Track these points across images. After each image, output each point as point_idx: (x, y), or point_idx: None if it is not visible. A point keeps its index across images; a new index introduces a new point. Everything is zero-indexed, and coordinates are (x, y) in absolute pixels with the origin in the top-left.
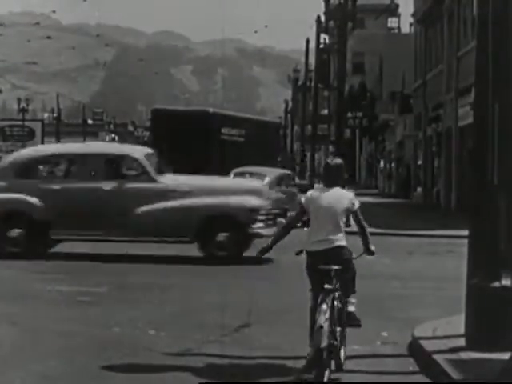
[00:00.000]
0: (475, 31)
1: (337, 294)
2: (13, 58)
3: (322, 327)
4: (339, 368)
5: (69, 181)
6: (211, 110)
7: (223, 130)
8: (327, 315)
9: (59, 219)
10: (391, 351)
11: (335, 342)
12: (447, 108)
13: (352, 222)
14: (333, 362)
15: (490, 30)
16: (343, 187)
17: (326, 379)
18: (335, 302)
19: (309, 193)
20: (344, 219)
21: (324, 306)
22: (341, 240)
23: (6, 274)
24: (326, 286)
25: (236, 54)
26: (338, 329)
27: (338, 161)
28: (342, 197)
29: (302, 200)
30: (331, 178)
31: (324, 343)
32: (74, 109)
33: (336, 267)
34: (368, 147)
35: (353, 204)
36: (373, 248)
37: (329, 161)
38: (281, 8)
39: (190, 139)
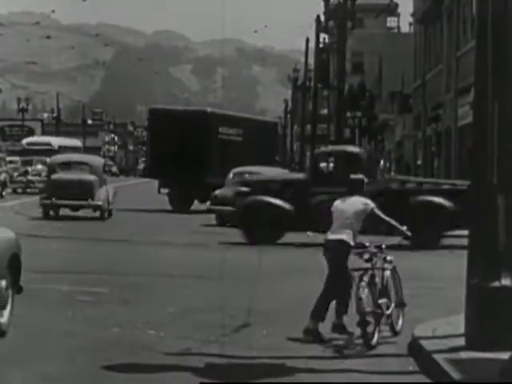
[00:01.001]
0: (475, 31)
1: (376, 271)
2: (12, 58)
3: (360, 299)
4: (394, 333)
5: None
6: (209, 109)
7: (221, 130)
8: (366, 289)
9: None
10: (391, 351)
11: (379, 311)
12: (447, 108)
13: None
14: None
15: (489, 30)
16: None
17: (374, 342)
18: (376, 279)
19: (335, 202)
20: (356, 219)
21: (363, 283)
22: (344, 235)
23: None
24: (365, 265)
25: (236, 53)
26: (383, 300)
27: (360, 176)
28: (355, 202)
29: (332, 208)
30: (353, 190)
31: (364, 311)
32: (74, 108)
33: (374, 250)
34: (367, 147)
35: (366, 207)
36: (409, 233)
37: (352, 177)
38: (280, 8)
39: (188, 139)
